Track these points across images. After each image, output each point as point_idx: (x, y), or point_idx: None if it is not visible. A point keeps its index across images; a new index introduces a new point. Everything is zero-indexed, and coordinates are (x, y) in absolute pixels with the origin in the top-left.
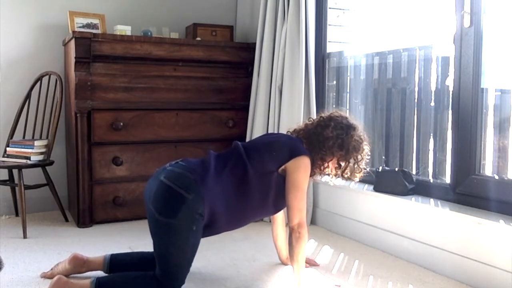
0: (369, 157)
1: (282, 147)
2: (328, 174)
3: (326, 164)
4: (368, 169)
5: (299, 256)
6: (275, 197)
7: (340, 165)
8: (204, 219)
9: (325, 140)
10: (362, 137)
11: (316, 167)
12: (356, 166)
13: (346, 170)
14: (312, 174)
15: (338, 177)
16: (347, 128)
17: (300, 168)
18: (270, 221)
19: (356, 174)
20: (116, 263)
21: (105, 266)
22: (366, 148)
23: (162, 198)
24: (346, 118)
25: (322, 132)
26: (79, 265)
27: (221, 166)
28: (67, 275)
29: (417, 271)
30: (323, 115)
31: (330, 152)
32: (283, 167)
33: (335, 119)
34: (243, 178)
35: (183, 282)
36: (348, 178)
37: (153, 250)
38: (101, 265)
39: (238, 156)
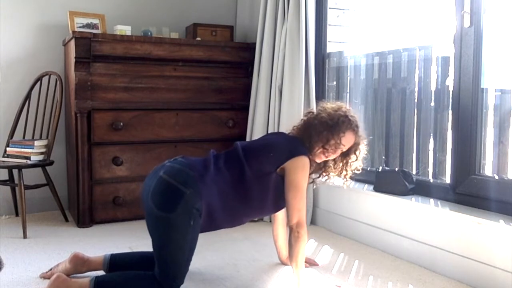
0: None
1: (279, 148)
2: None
3: (314, 141)
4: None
5: (298, 256)
6: (274, 197)
7: (327, 141)
8: (202, 215)
9: (307, 125)
10: (338, 108)
11: (312, 150)
12: (338, 139)
13: (332, 145)
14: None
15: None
16: (326, 109)
17: (297, 168)
18: (270, 221)
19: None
20: (116, 263)
21: (105, 266)
22: (333, 116)
23: (161, 193)
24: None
25: (306, 124)
26: (79, 264)
27: (220, 165)
28: (67, 275)
29: (417, 271)
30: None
31: (315, 126)
32: (281, 167)
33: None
34: (241, 178)
35: (182, 282)
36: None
37: (152, 249)
38: (101, 265)
39: (237, 157)
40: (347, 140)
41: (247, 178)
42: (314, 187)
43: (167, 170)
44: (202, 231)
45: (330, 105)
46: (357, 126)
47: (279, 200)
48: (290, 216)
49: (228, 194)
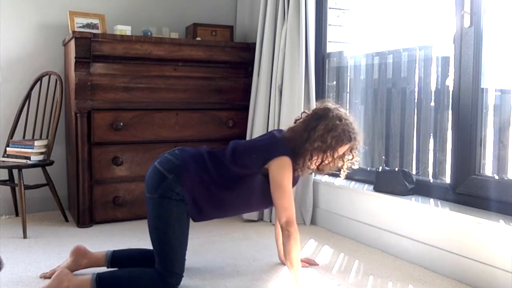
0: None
1: (261, 150)
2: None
3: (308, 159)
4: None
5: (291, 254)
6: (261, 196)
7: (321, 161)
8: (188, 201)
9: (297, 136)
10: (332, 126)
11: (301, 164)
12: (333, 158)
13: (328, 163)
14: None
15: (328, 169)
16: (317, 119)
17: (279, 169)
18: (270, 221)
19: (344, 166)
20: (117, 259)
21: (107, 261)
22: (339, 136)
23: (151, 178)
24: (324, 108)
25: (299, 129)
26: (80, 256)
27: (207, 161)
28: (70, 270)
29: (417, 271)
30: (307, 111)
31: (307, 148)
32: (265, 167)
33: (315, 111)
34: (226, 176)
35: (180, 274)
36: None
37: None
38: (102, 260)
39: (224, 156)
40: (340, 152)
41: (233, 177)
42: (315, 176)
43: (161, 160)
44: (197, 220)
45: (323, 118)
46: (350, 138)
47: (266, 199)
48: (279, 215)
49: (213, 187)
